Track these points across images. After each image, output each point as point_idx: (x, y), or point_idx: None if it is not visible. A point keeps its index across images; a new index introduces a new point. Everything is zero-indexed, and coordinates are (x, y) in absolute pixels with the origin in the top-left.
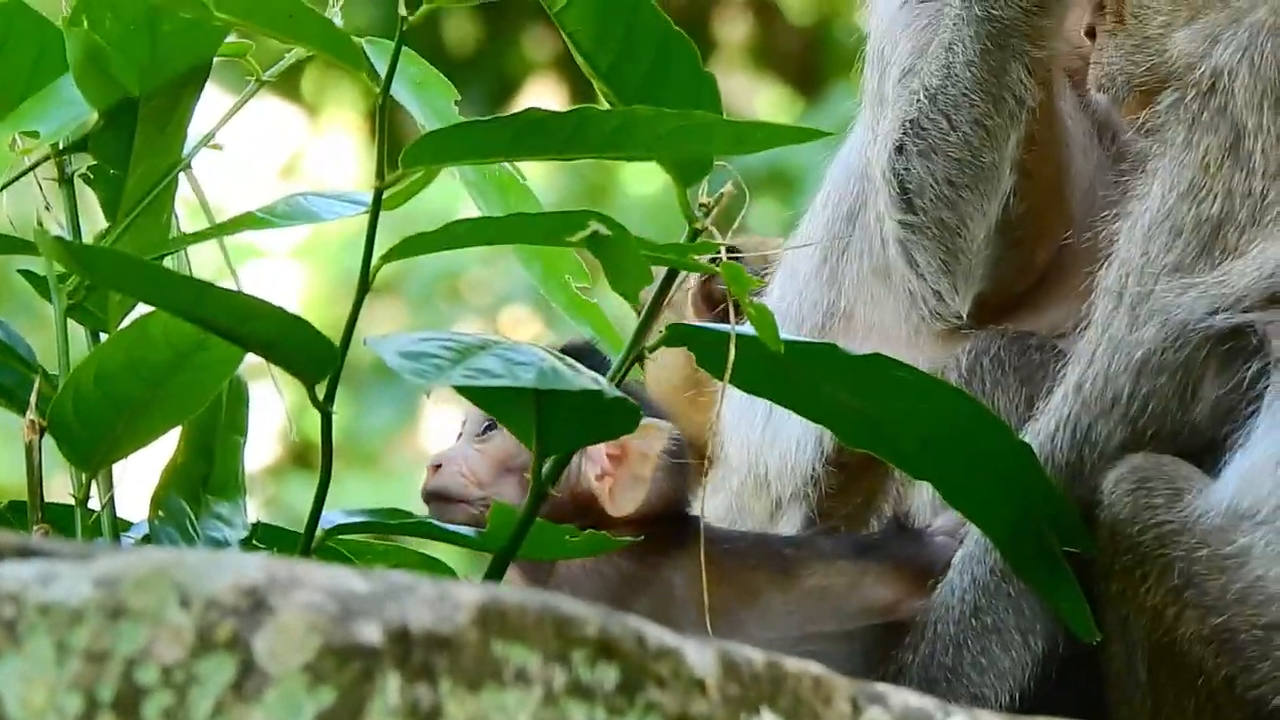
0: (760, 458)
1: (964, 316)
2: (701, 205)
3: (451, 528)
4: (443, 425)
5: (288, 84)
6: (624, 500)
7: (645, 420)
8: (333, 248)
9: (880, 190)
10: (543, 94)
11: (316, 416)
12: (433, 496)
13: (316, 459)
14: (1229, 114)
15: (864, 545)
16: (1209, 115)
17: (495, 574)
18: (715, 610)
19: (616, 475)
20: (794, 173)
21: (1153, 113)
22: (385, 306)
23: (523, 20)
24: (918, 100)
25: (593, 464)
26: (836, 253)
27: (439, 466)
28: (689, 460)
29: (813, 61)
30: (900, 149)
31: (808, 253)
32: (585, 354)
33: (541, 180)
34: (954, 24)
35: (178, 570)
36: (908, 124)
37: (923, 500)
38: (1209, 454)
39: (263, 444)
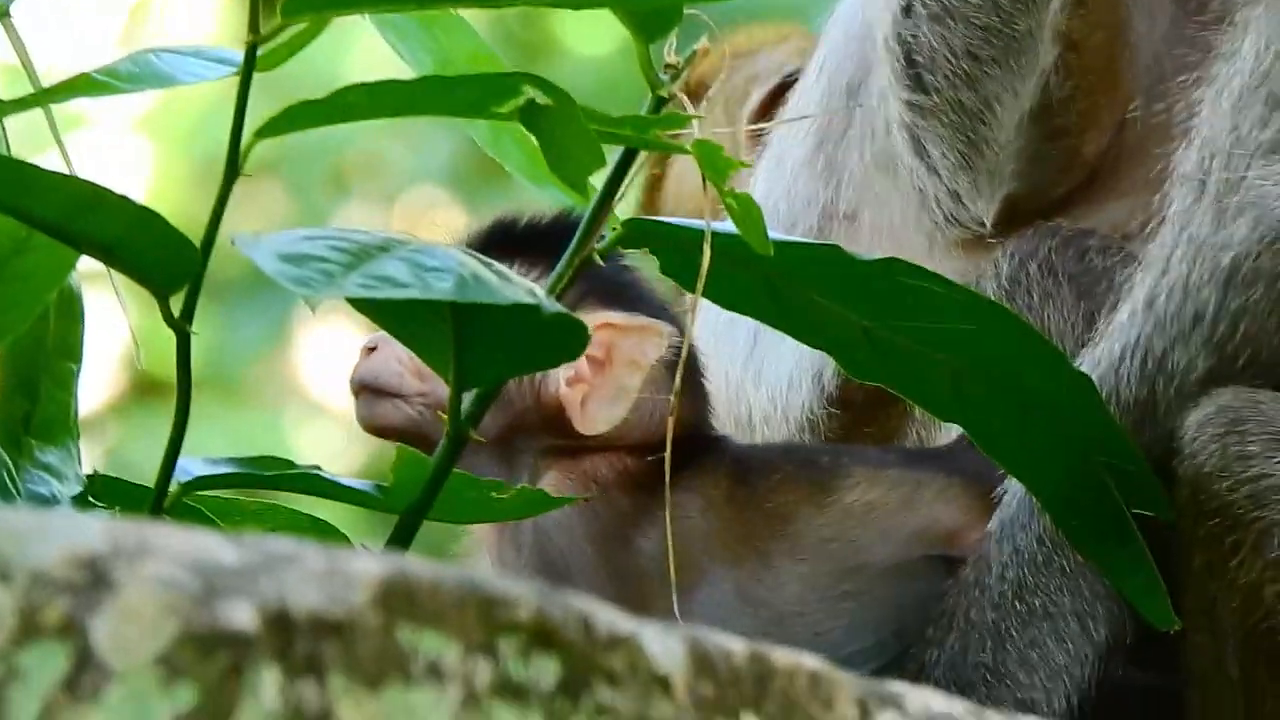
0: (743, 396)
1: (988, 224)
2: (668, 66)
3: (343, 481)
4: (326, 348)
5: None
6: (599, 415)
7: (641, 319)
8: (188, 120)
9: (884, 60)
10: None
11: (170, 337)
12: (361, 388)
13: (170, 392)
14: None
15: (923, 455)
16: None
17: (401, 540)
18: (740, 541)
19: (594, 383)
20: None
21: None
22: (258, 195)
23: None
24: None
25: (565, 366)
26: (834, 137)
27: (373, 349)
28: (702, 373)
29: None
30: (908, 9)
31: (798, 137)
32: (547, 233)
33: None
34: None
35: None
36: None
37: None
38: None
39: (103, 374)
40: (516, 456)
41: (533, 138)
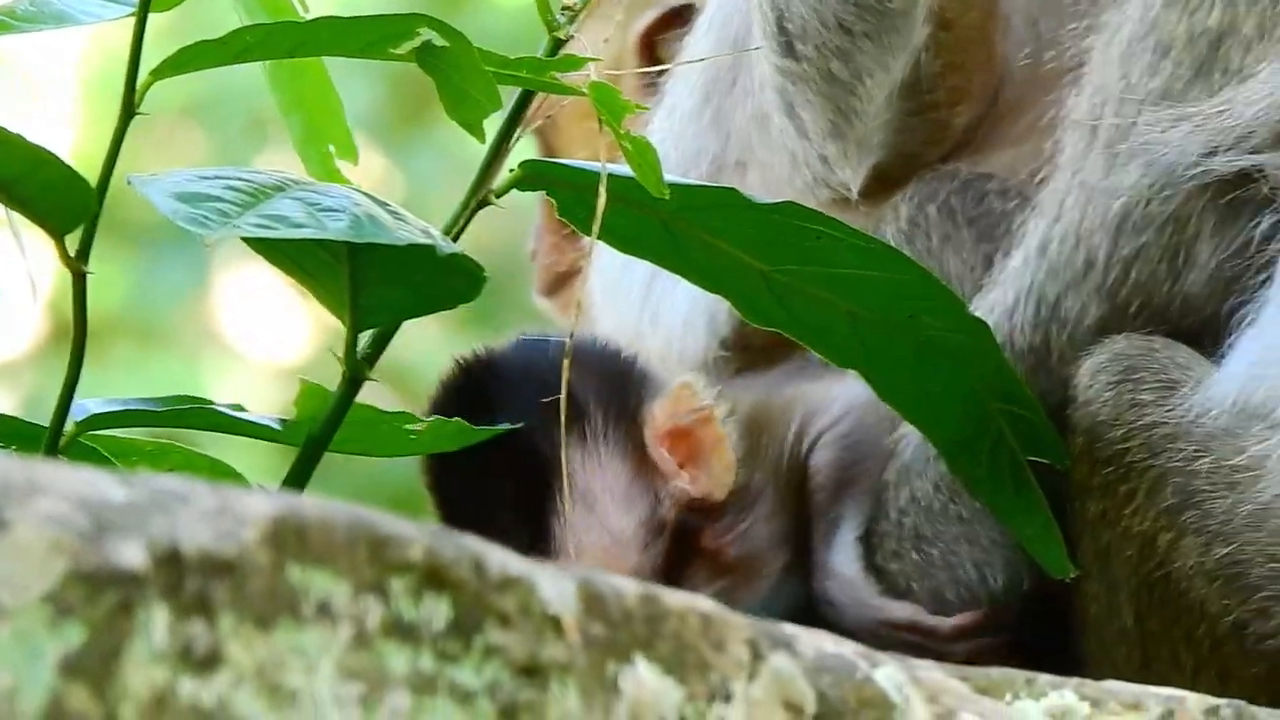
0: (640, 338)
1: (854, 192)
2: (565, 8)
3: (242, 416)
4: (245, 293)
5: None
6: (722, 480)
7: (667, 391)
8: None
9: (757, 22)
10: None
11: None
12: None
13: (91, 338)
14: None
15: None
16: None
17: (299, 473)
18: None
19: (702, 471)
20: None
21: None
22: (177, 141)
23: None
24: None
25: (677, 479)
26: (723, 89)
27: None
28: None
29: None
30: None
31: (689, 88)
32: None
33: None
34: None
35: None
36: None
37: (850, 392)
38: (1209, 335)
39: (17, 317)
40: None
41: (337, 158)
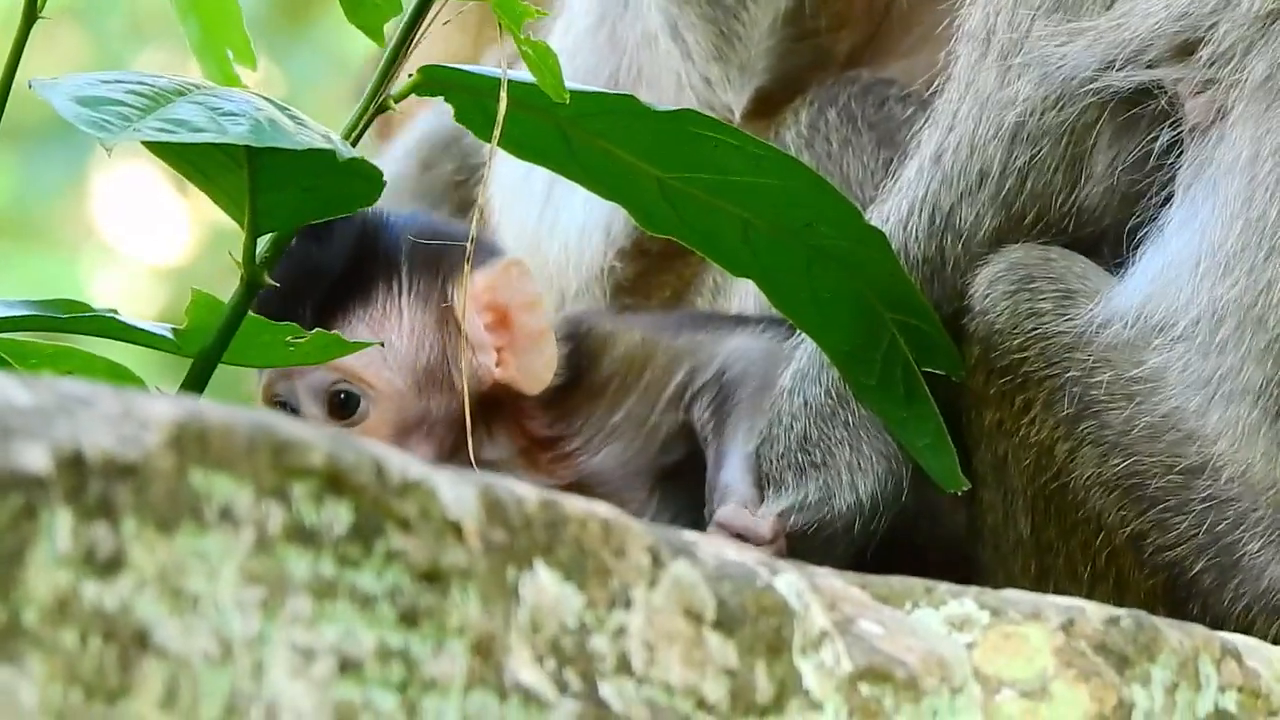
0: (539, 245)
1: (736, 115)
2: None
3: (137, 323)
4: (123, 192)
5: None
6: (536, 369)
7: (494, 262)
8: None
9: None
10: None
11: None
12: None
13: None
14: None
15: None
16: None
17: (195, 384)
18: None
19: (512, 346)
20: None
21: None
22: (58, 41)
23: None
24: None
25: (484, 352)
26: (617, 8)
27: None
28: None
29: None
30: None
31: (586, 3)
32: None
33: None
34: None
35: None
36: None
37: (746, 297)
38: (1108, 247)
39: None
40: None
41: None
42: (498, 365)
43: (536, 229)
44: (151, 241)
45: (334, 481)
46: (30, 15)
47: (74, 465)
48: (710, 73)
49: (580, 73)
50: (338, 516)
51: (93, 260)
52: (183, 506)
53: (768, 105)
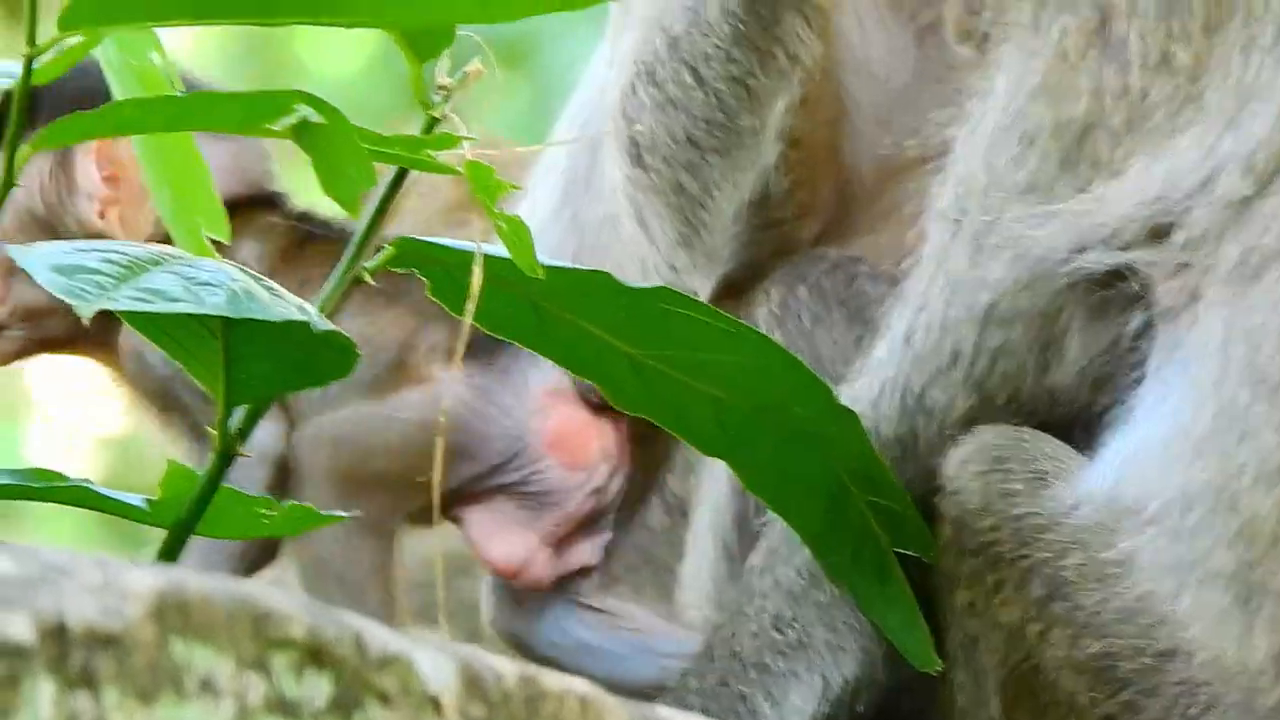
0: None
1: (703, 298)
2: (440, 88)
3: (113, 494)
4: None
5: None
6: (139, 224)
7: None
8: None
9: (610, 129)
10: None
11: None
12: None
13: None
14: None
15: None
16: None
17: (170, 553)
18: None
19: (123, 199)
20: (527, 46)
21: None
22: None
23: None
24: (653, 43)
25: (88, 199)
26: (579, 190)
27: None
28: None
29: None
30: (633, 90)
31: (550, 185)
32: None
33: (202, 57)
34: None
35: None
36: (641, 66)
37: (717, 476)
38: (1080, 429)
39: None
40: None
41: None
42: (100, 216)
43: None
44: (90, 410)
45: (315, 654)
46: (7, 183)
47: (57, 635)
48: (676, 260)
49: (546, 252)
50: (318, 689)
51: (30, 428)
52: (163, 677)
53: (732, 291)
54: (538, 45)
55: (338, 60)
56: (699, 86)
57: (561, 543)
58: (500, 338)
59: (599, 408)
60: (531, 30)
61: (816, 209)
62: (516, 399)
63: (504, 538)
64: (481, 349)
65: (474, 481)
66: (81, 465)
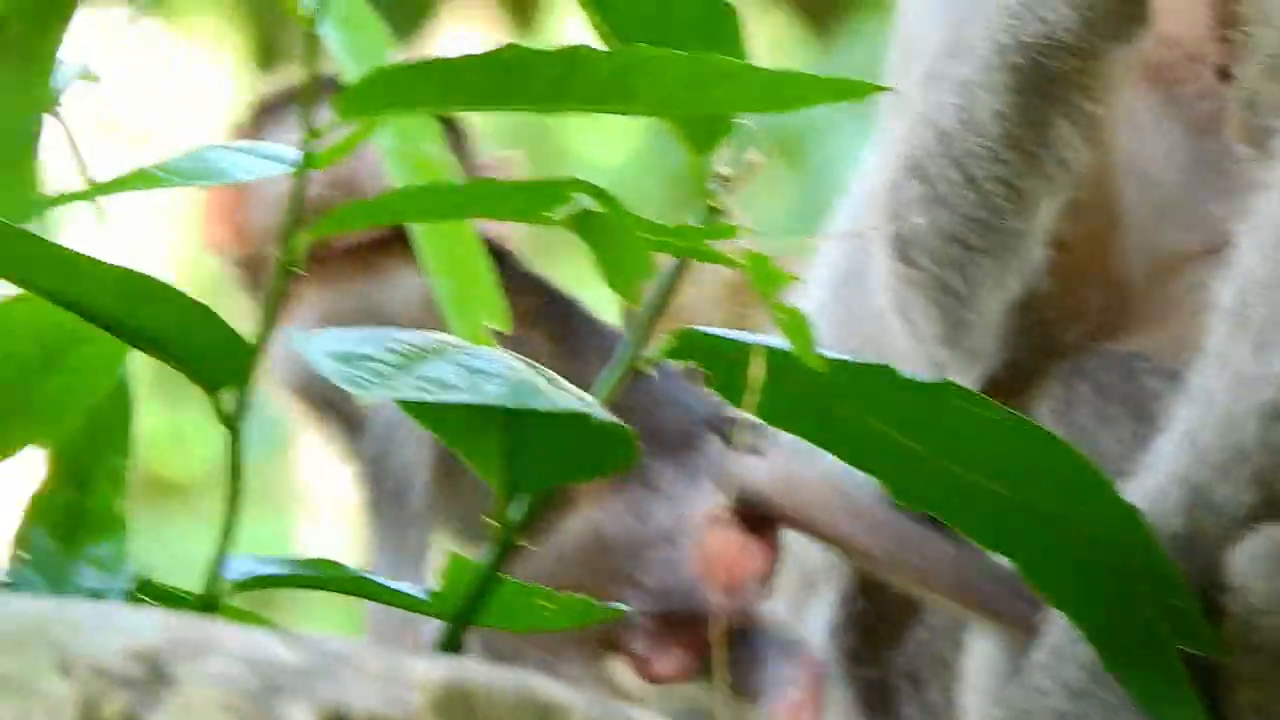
0: None
1: None
2: (720, 177)
3: (395, 585)
4: (326, 451)
5: None
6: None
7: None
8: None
9: (878, 223)
10: (460, 24)
11: (180, 435)
12: None
13: (177, 493)
14: None
15: None
16: None
17: (451, 644)
18: None
19: None
20: (796, 137)
21: None
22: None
23: None
24: (923, 139)
25: None
26: (852, 283)
27: None
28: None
29: None
30: (901, 185)
31: (824, 276)
32: None
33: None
34: (983, 56)
35: (56, 627)
36: (910, 161)
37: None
38: None
39: None
40: None
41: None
42: None
43: None
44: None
45: None
46: (285, 268)
47: None
48: (940, 356)
49: (824, 344)
50: None
51: (297, 516)
52: None
53: (997, 389)
54: (806, 136)
55: (604, 148)
56: (967, 185)
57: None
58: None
59: (754, 528)
60: (799, 121)
61: (1082, 311)
62: (675, 521)
63: (664, 658)
64: (639, 470)
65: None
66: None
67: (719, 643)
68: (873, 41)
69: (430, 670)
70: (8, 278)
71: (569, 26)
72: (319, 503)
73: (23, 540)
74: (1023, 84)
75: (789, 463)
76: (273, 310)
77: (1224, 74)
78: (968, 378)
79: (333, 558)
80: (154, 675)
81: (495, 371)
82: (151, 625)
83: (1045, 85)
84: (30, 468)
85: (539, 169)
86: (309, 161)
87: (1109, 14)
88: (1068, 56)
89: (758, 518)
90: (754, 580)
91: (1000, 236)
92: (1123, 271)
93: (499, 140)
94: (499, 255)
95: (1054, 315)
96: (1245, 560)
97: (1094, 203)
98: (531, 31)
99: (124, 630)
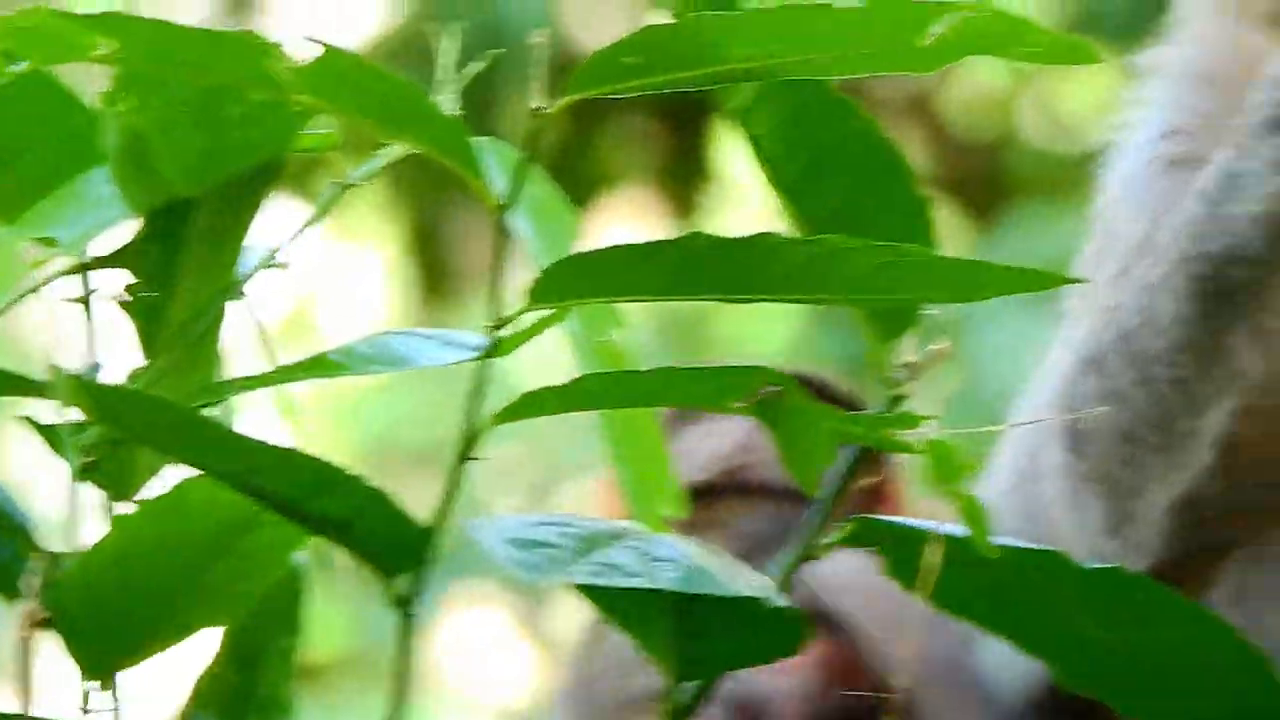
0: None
1: None
2: (905, 365)
3: None
4: (463, 635)
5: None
6: None
7: None
8: (348, 399)
9: (1053, 411)
10: (623, 212)
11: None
12: None
13: (322, 674)
14: None
15: None
16: None
17: None
18: None
19: None
20: (956, 324)
21: None
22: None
23: (604, 115)
24: (1105, 336)
25: None
26: (1030, 472)
27: None
28: None
29: (980, 185)
30: (1078, 377)
31: (1003, 463)
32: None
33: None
34: (1168, 263)
35: None
36: (1089, 356)
37: None
38: None
39: None
40: None
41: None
42: None
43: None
44: (495, 684)
45: None
46: (465, 454)
47: None
48: (1105, 548)
49: (999, 530)
50: None
51: (437, 703)
52: None
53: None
54: (967, 324)
55: (758, 337)
56: (1143, 384)
57: None
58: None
59: None
60: (960, 310)
61: (1248, 517)
62: None
63: None
64: None
65: None
66: None
67: None
68: (1033, 228)
69: None
70: (185, 461)
71: (730, 218)
72: (455, 683)
73: None
74: (1204, 293)
75: None
76: (450, 498)
77: None
78: (1135, 569)
79: None
80: None
81: (670, 557)
82: None
83: (1225, 296)
84: (196, 651)
85: (700, 351)
86: (494, 348)
87: None
88: (1251, 269)
89: None
90: None
91: (1170, 435)
92: None
93: (650, 325)
94: None
95: (1219, 514)
96: None
97: (1266, 410)
98: (690, 224)
99: None
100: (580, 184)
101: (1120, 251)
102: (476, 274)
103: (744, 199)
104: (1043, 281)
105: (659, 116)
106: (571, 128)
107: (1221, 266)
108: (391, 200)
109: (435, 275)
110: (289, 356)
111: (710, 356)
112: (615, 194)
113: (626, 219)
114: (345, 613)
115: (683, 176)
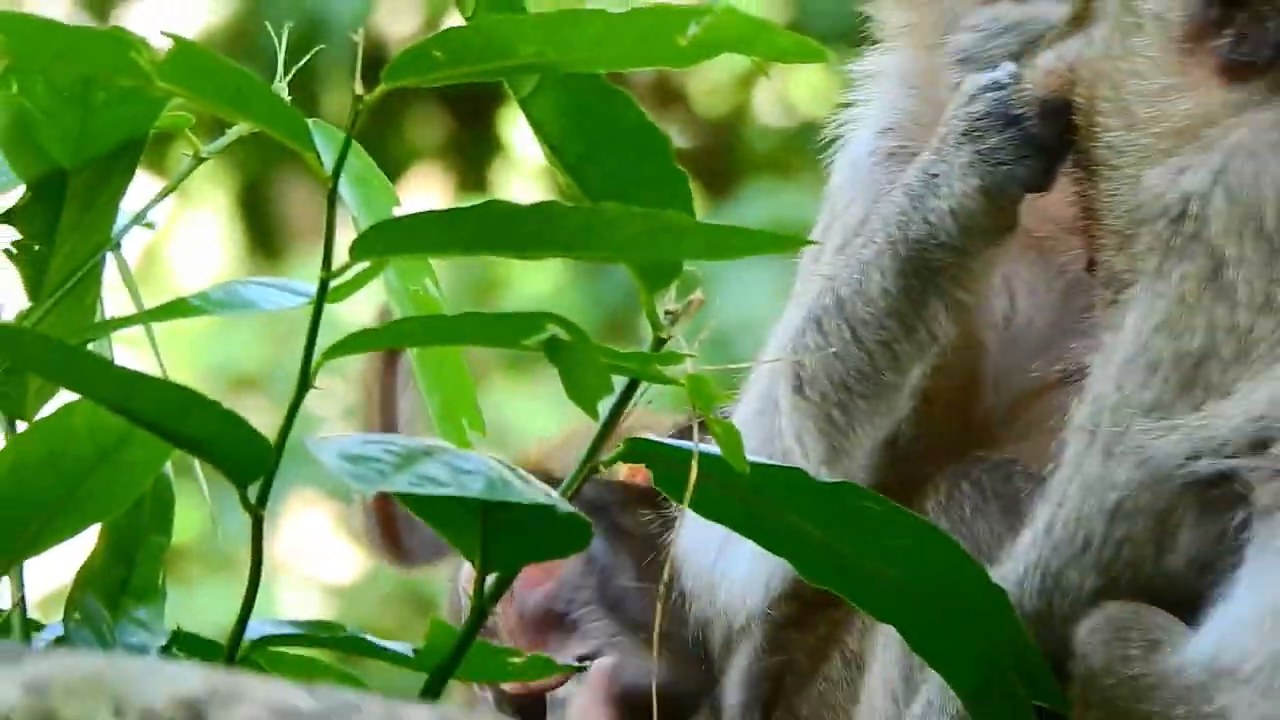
0: (712, 589)
1: None
2: (668, 312)
3: (385, 644)
4: (298, 525)
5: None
6: None
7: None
8: (189, 337)
9: (782, 354)
10: (424, 184)
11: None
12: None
13: (189, 563)
14: (1204, 241)
15: None
16: (1181, 241)
17: (433, 691)
18: None
19: None
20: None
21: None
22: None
23: (408, 102)
24: (825, 300)
25: None
26: (771, 405)
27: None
28: None
29: (721, 158)
30: (803, 332)
31: (749, 396)
32: None
33: None
34: (879, 243)
35: (112, 677)
36: (813, 314)
37: (889, 638)
38: (1189, 604)
39: None
40: None
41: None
42: None
43: (710, 576)
44: (326, 566)
45: None
46: (303, 386)
47: None
48: (823, 475)
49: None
50: None
51: (277, 583)
52: None
53: (887, 493)
54: (719, 278)
55: (536, 281)
56: (855, 343)
57: None
58: None
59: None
60: (714, 266)
61: (939, 458)
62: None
63: None
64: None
65: None
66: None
67: None
68: (762, 203)
69: (423, 715)
70: (70, 388)
71: (517, 191)
72: (292, 566)
73: (74, 604)
74: (907, 270)
75: None
76: (290, 419)
77: (1091, 265)
78: None
79: (269, 617)
80: (194, 719)
81: (476, 470)
82: (194, 676)
83: (925, 274)
84: (76, 545)
85: (481, 296)
86: (323, 295)
87: (983, 222)
88: (946, 254)
89: None
90: None
91: (876, 387)
92: (998, 398)
93: (445, 271)
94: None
95: (915, 453)
96: (1087, 633)
97: (957, 367)
98: (484, 196)
99: (169, 680)
100: (388, 162)
101: (841, 229)
102: (297, 234)
103: (529, 174)
104: (783, 244)
105: (455, 103)
106: (380, 112)
107: (922, 251)
108: (222, 169)
109: (261, 234)
110: (149, 301)
111: (497, 297)
112: (418, 170)
113: (428, 192)
114: (200, 510)
115: (476, 155)
